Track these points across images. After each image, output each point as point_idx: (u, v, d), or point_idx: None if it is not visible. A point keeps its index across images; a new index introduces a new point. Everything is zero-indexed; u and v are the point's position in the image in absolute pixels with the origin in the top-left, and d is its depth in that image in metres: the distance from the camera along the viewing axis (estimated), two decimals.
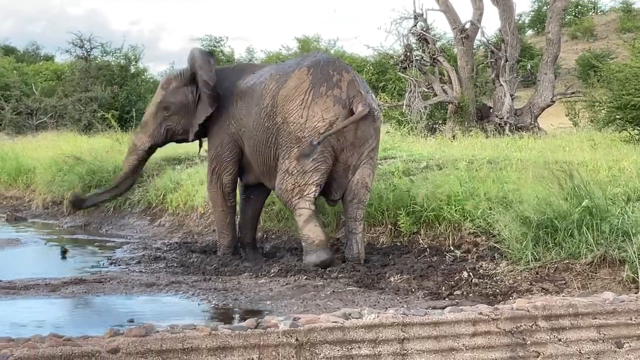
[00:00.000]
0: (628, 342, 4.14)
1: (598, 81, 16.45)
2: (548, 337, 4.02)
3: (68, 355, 3.28)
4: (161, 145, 8.54)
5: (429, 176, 8.50)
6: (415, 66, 17.04)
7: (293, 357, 3.62)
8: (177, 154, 12.62)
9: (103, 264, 8.13)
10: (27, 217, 12.57)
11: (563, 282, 5.92)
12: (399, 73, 17.98)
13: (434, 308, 4.40)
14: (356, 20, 74.11)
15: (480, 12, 17.23)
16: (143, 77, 29.87)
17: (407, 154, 10.15)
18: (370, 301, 5.84)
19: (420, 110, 16.24)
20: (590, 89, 17.08)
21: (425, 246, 7.60)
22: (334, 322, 3.78)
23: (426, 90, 16.97)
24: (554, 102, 16.89)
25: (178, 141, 8.61)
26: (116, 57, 28.41)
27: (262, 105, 7.48)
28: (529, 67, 19.71)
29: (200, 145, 8.68)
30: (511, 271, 6.29)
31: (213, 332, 3.57)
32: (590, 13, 43.37)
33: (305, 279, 6.69)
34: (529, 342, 3.99)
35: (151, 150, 8.48)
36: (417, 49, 17.65)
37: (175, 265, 7.82)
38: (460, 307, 4.15)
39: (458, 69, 17.08)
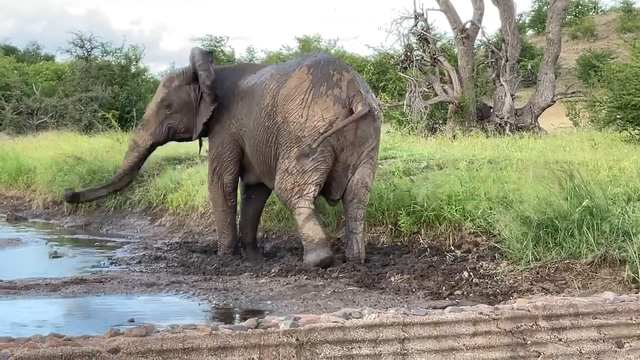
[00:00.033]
0: (628, 342, 4.14)
1: (599, 81, 16.45)
2: (548, 337, 4.02)
3: (68, 355, 3.28)
4: (162, 143, 8.54)
5: (429, 176, 8.50)
6: (415, 66, 17.04)
7: (293, 357, 3.62)
8: (177, 154, 12.63)
9: (103, 263, 8.13)
10: (27, 217, 12.57)
11: (563, 282, 5.92)
12: (400, 73, 17.98)
13: (434, 308, 4.40)
14: (356, 20, 74.14)
15: (481, 12, 17.23)
16: (144, 77, 29.89)
17: (408, 153, 10.16)
18: (370, 301, 5.84)
19: (420, 110, 16.24)
20: (591, 89, 17.08)
21: (426, 246, 7.60)
22: (335, 322, 3.78)
23: (426, 90, 16.97)
24: (554, 102, 16.89)
25: (179, 140, 8.61)
26: (117, 57, 28.44)
27: (262, 104, 7.48)
28: (529, 67, 19.71)
29: (200, 145, 8.68)
30: (512, 271, 6.29)
31: (213, 332, 3.57)
32: (591, 13, 43.38)
33: (306, 278, 6.69)
34: (529, 342, 3.99)
35: (152, 148, 8.48)
36: (418, 49, 17.65)
37: (176, 265, 7.82)
38: (461, 307, 4.15)
39: (458, 69, 17.08)
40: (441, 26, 34.55)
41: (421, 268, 6.82)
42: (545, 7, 32.09)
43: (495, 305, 4.22)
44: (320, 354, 3.65)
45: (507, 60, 16.71)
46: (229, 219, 8.10)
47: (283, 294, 6.21)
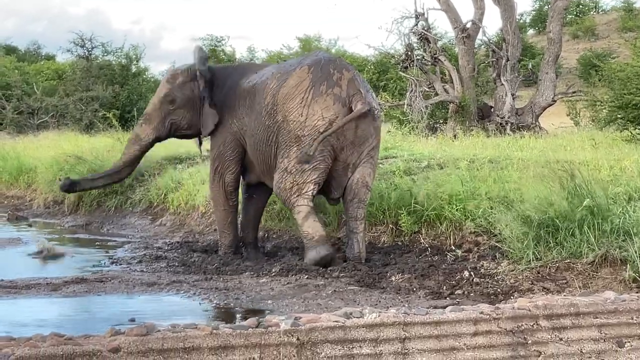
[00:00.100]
0: (629, 342, 4.14)
1: (599, 80, 16.46)
2: (549, 337, 4.02)
3: (69, 354, 3.28)
4: (164, 138, 8.52)
5: (430, 175, 8.50)
6: (416, 65, 17.04)
7: (294, 356, 3.62)
8: (178, 153, 12.63)
9: (104, 263, 8.13)
10: (28, 217, 12.57)
11: (564, 281, 5.91)
12: (400, 72, 17.98)
13: (435, 307, 4.40)
14: (357, 19, 74.24)
15: (482, 12, 17.23)
16: (144, 76, 29.93)
17: (408, 153, 10.15)
18: (371, 300, 5.84)
19: (421, 110, 16.24)
20: (592, 89, 17.10)
21: (427, 245, 7.60)
22: (335, 321, 3.78)
23: (427, 89, 16.97)
24: (555, 101, 16.89)
25: (180, 136, 8.60)
26: (117, 57, 28.48)
27: (263, 103, 7.49)
28: (530, 66, 19.70)
29: (200, 144, 8.67)
30: (512, 270, 6.29)
31: (214, 331, 3.57)
32: (592, 12, 43.38)
33: (307, 278, 6.69)
34: (530, 342, 3.99)
35: (154, 142, 8.45)
36: (418, 49, 17.65)
37: (177, 264, 7.82)
38: (462, 307, 4.15)
39: (459, 69, 17.07)
40: (442, 26, 34.69)
41: (422, 267, 6.82)
42: (546, 7, 32.09)
43: (496, 305, 4.22)
44: (321, 353, 3.65)
45: (507, 60, 16.71)
46: (230, 219, 8.10)
47: (284, 294, 6.21)
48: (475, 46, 19.30)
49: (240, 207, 8.30)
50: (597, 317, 4.14)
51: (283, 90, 7.30)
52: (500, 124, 16.14)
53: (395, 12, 34.40)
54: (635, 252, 5.66)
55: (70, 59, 29.89)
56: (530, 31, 40.51)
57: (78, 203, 12.25)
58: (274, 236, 9.07)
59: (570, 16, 38.87)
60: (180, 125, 8.26)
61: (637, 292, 5.11)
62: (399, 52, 18.00)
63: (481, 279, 6.33)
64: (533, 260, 6.15)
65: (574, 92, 17.70)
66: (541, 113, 16.87)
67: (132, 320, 5.19)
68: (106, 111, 19.45)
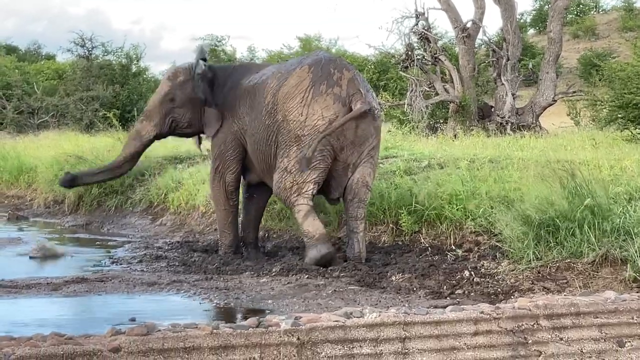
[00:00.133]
0: (630, 341, 4.14)
1: (600, 80, 16.47)
2: (550, 336, 4.02)
3: (70, 354, 3.28)
4: (165, 136, 8.52)
5: (430, 175, 8.50)
6: (416, 65, 17.04)
7: (294, 356, 3.62)
8: (178, 153, 12.63)
9: (105, 263, 8.13)
10: (28, 216, 12.58)
11: (565, 281, 5.91)
12: (401, 72, 17.98)
13: (435, 307, 4.40)
14: (357, 19, 74.19)
15: (482, 11, 17.23)
16: (144, 76, 29.94)
17: (409, 153, 10.15)
18: (371, 300, 5.83)
19: (421, 110, 16.24)
20: (592, 88, 17.11)
21: (427, 245, 7.60)
22: (336, 321, 3.78)
23: (427, 89, 16.97)
24: (555, 101, 16.89)
25: (180, 134, 8.60)
26: (117, 56, 28.48)
27: (263, 103, 7.49)
28: (530, 66, 19.71)
29: (200, 143, 8.67)
30: (513, 270, 6.28)
31: (215, 331, 3.57)
32: (592, 12, 43.37)
33: (307, 278, 6.69)
34: (530, 341, 3.99)
35: (154, 140, 8.45)
36: (419, 48, 17.65)
37: (177, 264, 7.82)
38: (462, 306, 4.15)
39: (459, 68, 17.07)
40: (442, 25, 34.70)
41: (422, 267, 6.82)
42: (547, 6, 32.09)
43: (497, 305, 4.22)
44: (321, 353, 3.65)
45: (508, 60, 16.71)
46: (231, 218, 8.10)
47: (284, 293, 6.21)
48: (476, 46, 19.31)
49: (240, 206, 8.31)
50: (597, 317, 4.14)
51: (283, 90, 7.30)
52: (501, 123, 16.14)
53: (395, 12, 34.36)
54: (636, 251, 5.66)
55: (71, 59, 29.91)
56: (531, 31, 40.51)
57: (78, 203, 12.26)
58: (275, 236, 9.07)
59: (571, 16, 38.87)
60: (180, 124, 8.26)
61: (637, 292, 5.11)
62: (399, 51, 18.00)
63: (481, 279, 6.33)
64: (533, 260, 6.15)
65: (575, 92, 17.70)
66: (541, 113, 16.87)
67: (133, 319, 5.19)
68: (106, 111, 19.44)
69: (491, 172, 8.15)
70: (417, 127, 15.04)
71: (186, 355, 3.46)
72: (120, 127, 15.26)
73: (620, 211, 6.13)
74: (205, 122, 8.07)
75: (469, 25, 17.10)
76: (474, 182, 7.82)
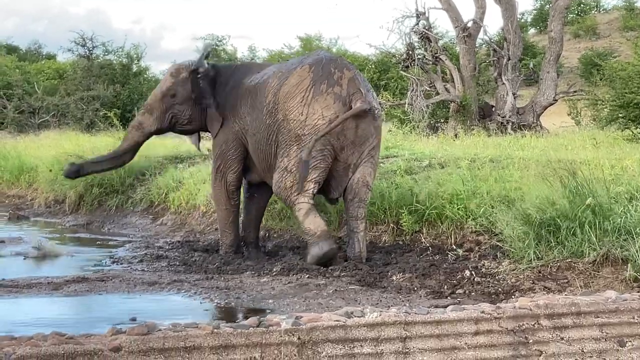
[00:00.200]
0: (630, 341, 4.13)
1: (601, 79, 16.47)
2: (550, 336, 4.02)
3: (70, 353, 3.28)
4: (165, 131, 8.54)
5: (431, 175, 8.50)
6: (417, 65, 17.05)
7: (295, 355, 3.62)
8: (179, 152, 12.62)
9: (105, 262, 8.13)
10: (29, 216, 12.58)
11: (565, 280, 5.91)
12: (401, 72, 17.99)
13: (436, 307, 4.40)
14: (358, 19, 74.26)
15: (483, 11, 17.23)
16: (145, 75, 29.95)
17: (409, 152, 10.15)
18: (372, 300, 5.83)
19: (422, 109, 16.24)
20: (593, 88, 17.12)
21: (428, 245, 7.60)
22: (336, 320, 3.78)
23: (428, 88, 16.98)
24: (556, 100, 16.90)
25: (180, 131, 8.60)
26: (118, 56, 28.51)
27: (264, 102, 7.48)
28: (531, 65, 19.73)
29: (199, 140, 8.67)
30: (513, 270, 6.28)
31: (215, 330, 3.57)
32: (593, 11, 43.37)
33: (308, 277, 6.69)
34: (531, 341, 3.99)
35: (154, 133, 8.46)
36: (419, 48, 17.66)
37: (178, 263, 7.82)
38: (463, 306, 4.15)
39: (460, 68, 17.08)
40: (443, 25, 34.58)
41: (423, 267, 6.82)
42: (548, 6, 32.08)
43: (497, 304, 4.22)
44: (322, 352, 3.65)
45: (509, 59, 16.71)
46: (231, 218, 8.10)
47: (285, 293, 6.21)
48: (477, 45, 19.30)
49: (241, 206, 8.31)
50: (598, 317, 4.14)
51: (284, 89, 7.30)
52: (502, 123, 16.14)
53: (396, 12, 34.35)
54: (637, 251, 5.66)
55: (71, 59, 29.93)
56: (532, 30, 40.51)
57: (79, 202, 12.26)
58: (275, 235, 9.06)
59: (572, 15, 38.87)
60: (181, 120, 8.27)
61: (638, 292, 5.11)
62: (400, 51, 18.01)
63: (482, 278, 6.33)
64: (534, 260, 6.14)
65: (575, 92, 17.71)
66: (542, 112, 16.87)
67: (133, 319, 5.19)
68: (107, 110, 19.47)
69: (492, 171, 8.14)
70: (417, 127, 15.05)
71: (187, 355, 3.46)
72: (121, 127, 15.25)
73: (621, 211, 6.12)
74: (208, 123, 8.10)
75: (469, 24, 17.10)
76: (475, 182, 7.82)
